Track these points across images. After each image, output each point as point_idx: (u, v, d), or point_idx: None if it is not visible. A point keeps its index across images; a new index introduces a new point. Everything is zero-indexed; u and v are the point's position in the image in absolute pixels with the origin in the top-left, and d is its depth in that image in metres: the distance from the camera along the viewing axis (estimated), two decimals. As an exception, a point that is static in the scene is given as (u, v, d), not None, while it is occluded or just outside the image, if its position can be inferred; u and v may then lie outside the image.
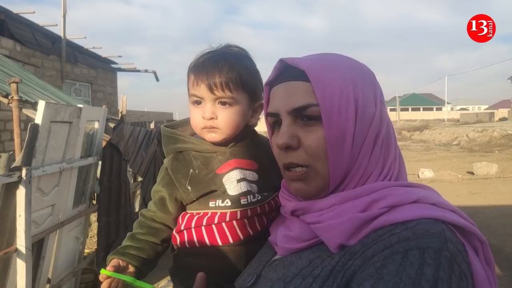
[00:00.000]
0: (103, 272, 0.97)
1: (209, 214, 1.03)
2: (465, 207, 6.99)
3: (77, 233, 3.89)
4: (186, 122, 1.13)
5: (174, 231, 1.09)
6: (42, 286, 3.19)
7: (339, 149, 0.74)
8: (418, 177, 10.36)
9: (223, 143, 1.07)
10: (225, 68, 1.00)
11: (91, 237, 5.36)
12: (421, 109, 70.43)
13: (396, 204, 0.69)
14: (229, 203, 1.02)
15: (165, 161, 1.09)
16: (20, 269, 2.53)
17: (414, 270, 0.57)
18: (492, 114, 37.41)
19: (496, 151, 16.18)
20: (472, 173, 10.95)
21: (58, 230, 3.33)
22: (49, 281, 3.36)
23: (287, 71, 0.80)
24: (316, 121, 0.75)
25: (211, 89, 1.00)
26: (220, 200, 1.03)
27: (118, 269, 1.01)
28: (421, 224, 0.64)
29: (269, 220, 1.04)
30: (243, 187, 1.04)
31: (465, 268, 0.60)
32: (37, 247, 3.02)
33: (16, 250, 2.51)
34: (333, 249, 0.70)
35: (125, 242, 1.09)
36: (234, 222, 1.01)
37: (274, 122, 0.83)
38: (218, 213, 1.02)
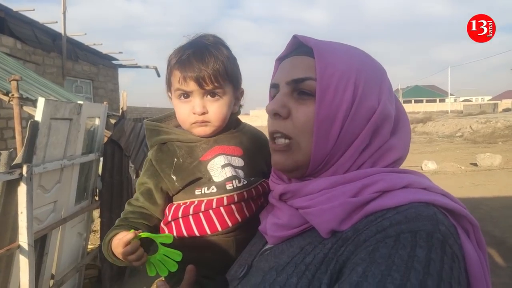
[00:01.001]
0: (132, 232, 0.93)
1: (196, 202, 1.02)
2: (468, 199, 6.98)
3: (80, 229, 3.91)
4: (169, 116, 1.13)
5: (162, 223, 1.08)
6: (46, 282, 3.21)
7: (327, 128, 0.73)
8: (421, 169, 10.32)
9: (211, 135, 1.07)
10: (211, 61, 1.01)
11: (94, 231, 5.39)
12: (424, 101, 70.27)
13: (387, 189, 0.68)
14: (215, 190, 1.01)
15: (149, 153, 1.10)
16: (23, 266, 2.54)
17: (407, 253, 0.57)
18: (495, 105, 37.05)
19: (500, 142, 16.11)
20: (475, 164, 10.91)
21: (60, 226, 3.35)
22: (52, 277, 3.39)
23: (298, 48, 0.81)
24: (310, 96, 0.75)
25: (200, 84, 1.00)
26: (206, 187, 1.02)
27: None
28: (412, 208, 0.64)
29: (258, 206, 1.04)
30: (228, 172, 1.03)
31: (457, 250, 0.60)
32: (40, 244, 3.04)
33: (19, 246, 2.52)
34: (324, 234, 0.69)
35: (119, 223, 1.07)
36: (221, 208, 1.00)
37: (275, 95, 0.83)
38: (205, 201, 1.01)
